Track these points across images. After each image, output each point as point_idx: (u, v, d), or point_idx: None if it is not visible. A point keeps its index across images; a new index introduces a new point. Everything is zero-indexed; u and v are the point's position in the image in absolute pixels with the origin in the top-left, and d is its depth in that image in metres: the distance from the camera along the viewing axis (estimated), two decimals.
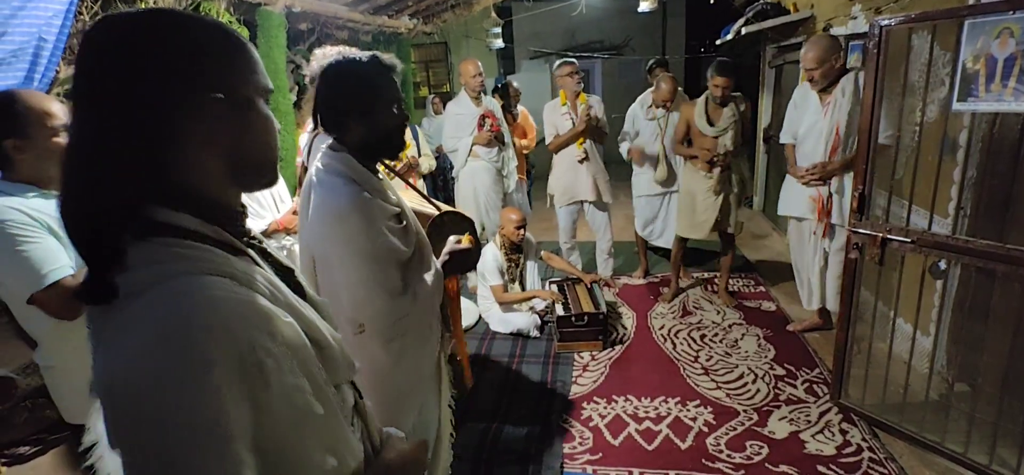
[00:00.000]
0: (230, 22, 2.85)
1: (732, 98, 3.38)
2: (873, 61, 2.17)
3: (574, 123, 3.74)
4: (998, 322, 2.13)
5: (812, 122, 2.88)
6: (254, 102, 0.67)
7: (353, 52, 1.42)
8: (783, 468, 2.18)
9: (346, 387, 0.79)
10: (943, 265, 2.13)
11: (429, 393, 1.60)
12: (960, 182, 2.37)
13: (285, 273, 0.77)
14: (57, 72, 1.95)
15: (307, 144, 2.20)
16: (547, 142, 3.93)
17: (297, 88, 3.85)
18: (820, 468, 2.17)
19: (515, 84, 4.74)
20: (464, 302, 3.72)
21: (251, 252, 0.70)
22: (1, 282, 1.35)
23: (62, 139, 1.38)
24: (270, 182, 0.72)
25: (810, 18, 4.31)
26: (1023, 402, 1.96)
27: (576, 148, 3.79)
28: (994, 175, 2.24)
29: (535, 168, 5.47)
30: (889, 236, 2.21)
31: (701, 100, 3.46)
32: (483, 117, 3.97)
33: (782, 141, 3.14)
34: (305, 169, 2.00)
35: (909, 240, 2.15)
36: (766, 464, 2.21)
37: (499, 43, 6.04)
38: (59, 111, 1.38)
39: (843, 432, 2.36)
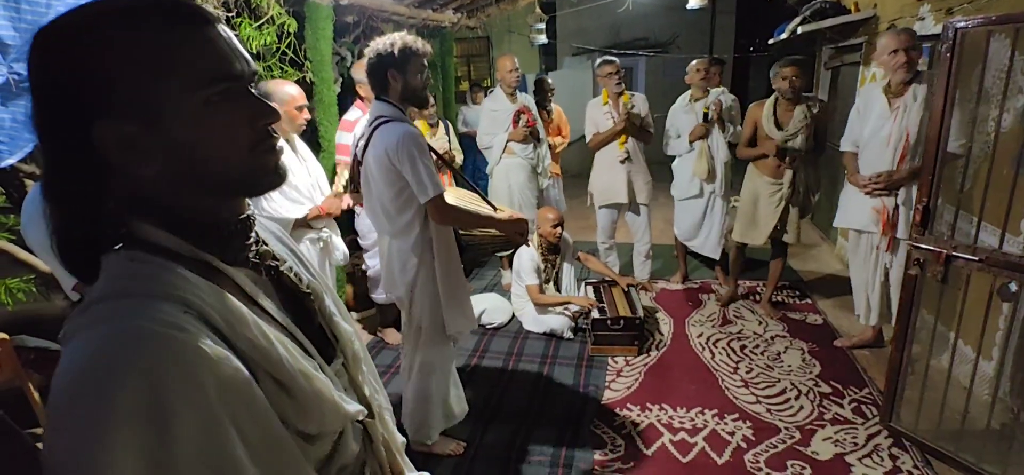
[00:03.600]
0: (279, 14, 2.90)
1: (805, 99, 3.23)
2: (945, 65, 2.03)
3: (615, 122, 3.66)
4: None
5: (877, 127, 2.70)
6: (208, 100, 0.56)
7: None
8: None
9: (350, 432, 0.72)
10: (1014, 287, 1.97)
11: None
12: None
13: (298, 299, 0.71)
14: None
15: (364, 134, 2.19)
16: (587, 140, 3.87)
17: (341, 80, 3.90)
18: None
19: (549, 81, 4.68)
20: (497, 300, 3.70)
21: (238, 274, 0.62)
22: (52, 264, 1.40)
23: None
24: (261, 188, 0.62)
25: (872, 18, 4.09)
26: None
27: (618, 148, 3.71)
28: None
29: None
30: (954, 253, 2.06)
31: (770, 101, 3.33)
32: (519, 113, 3.94)
33: (842, 149, 2.96)
34: (358, 162, 2.02)
35: (977, 258, 2.00)
36: None
37: (542, 39, 5.98)
38: None
39: (893, 457, 2.23)
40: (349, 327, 0.78)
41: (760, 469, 2.20)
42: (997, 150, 2.15)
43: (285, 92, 2.26)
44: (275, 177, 0.63)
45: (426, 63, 1.91)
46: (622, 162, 3.69)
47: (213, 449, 0.50)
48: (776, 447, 2.32)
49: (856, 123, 2.85)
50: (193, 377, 0.50)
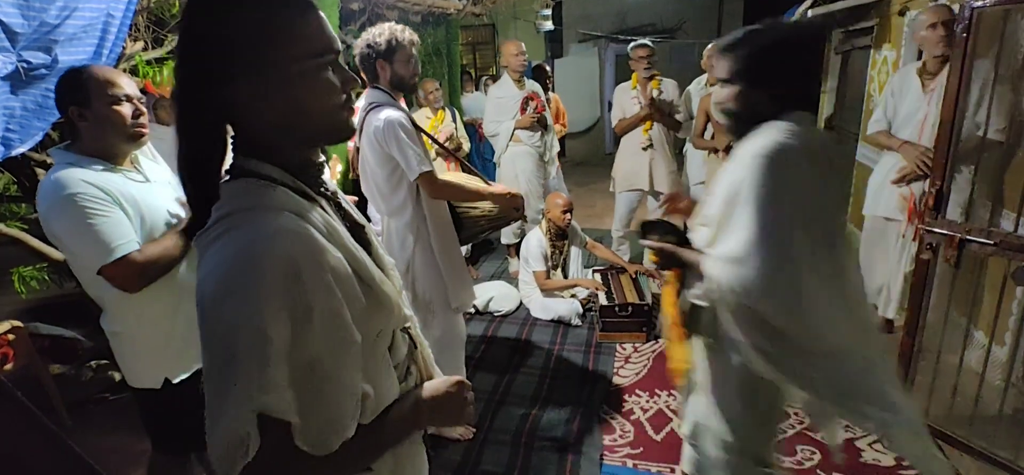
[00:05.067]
0: None
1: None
2: (961, 46, 1.99)
3: (641, 107, 3.63)
4: None
5: (912, 110, 2.59)
6: (318, 67, 0.71)
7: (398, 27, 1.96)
8: None
9: (400, 335, 0.89)
10: None
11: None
12: None
13: (356, 228, 0.87)
14: (124, 48, 2.02)
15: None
16: (613, 124, 3.84)
17: (347, 67, 3.90)
18: None
19: (548, 68, 4.66)
20: (504, 287, 3.71)
21: (321, 200, 0.78)
22: (72, 252, 1.40)
23: (124, 108, 1.42)
24: (340, 138, 0.78)
25: (884, 1, 4.02)
26: None
27: (642, 134, 3.68)
28: None
29: (566, 155, 5.39)
30: (969, 237, 2.04)
31: None
32: (527, 99, 3.92)
33: (872, 130, 2.86)
34: (356, 147, 2.10)
35: (992, 242, 1.98)
36: (818, 470, 2.11)
37: (549, 25, 5.93)
38: (124, 82, 1.42)
39: None
40: (390, 258, 0.95)
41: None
42: (1013, 135, 2.12)
43: None
44: (350, 130, 0.78)
45: (415, 52, 2.00)
46: (644, 149, 3.66)
47: (332, 313, 0.69)
48: (785, 432, 2.32)
49: (890, 102, 2.74)
50: (318, 262, 0.68)
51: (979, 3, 1.94)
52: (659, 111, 3.62)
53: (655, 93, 3.60)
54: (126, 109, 1.42)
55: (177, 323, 1.54)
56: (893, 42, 3.95)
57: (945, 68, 2.48)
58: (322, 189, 0.81)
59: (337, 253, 0.72)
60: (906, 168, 2.62)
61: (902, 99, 2.70)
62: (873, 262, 2.96)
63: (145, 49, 2.27)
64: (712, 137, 3.42)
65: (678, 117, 3.73)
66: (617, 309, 3.10)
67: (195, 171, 0.71)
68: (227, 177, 0.73)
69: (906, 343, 2.32)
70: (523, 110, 3.90)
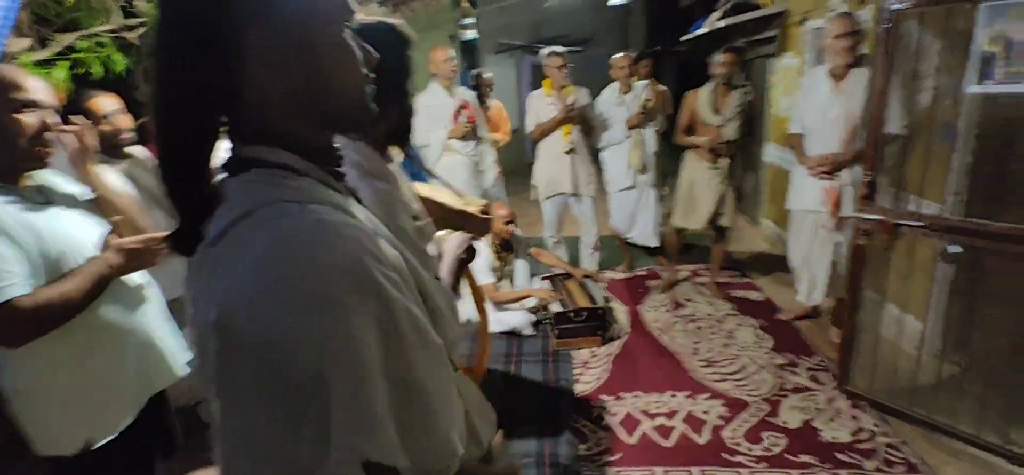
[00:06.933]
0: None
1: (739, 86, 3.38)
2: (883, 46, 2.17)
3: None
4: (1004, 303, 2.17)
5: (823, 111, 2.79)
6: (341, 29, 0.59)
7: None
8: (803, 458, 2.15)
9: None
10: (956, 249, 2.15)
11: None
12: (957, 168, 2.41)
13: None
14: (5, 46, 1.67)
15: None
16: (528, 131, 3.83)
17: None
18: (838, 455, 2.15)
19: (486, 75, 4.60)
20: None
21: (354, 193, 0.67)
22: None
23: (29, 118, 1.14)
24: (364, 122, 0.64)
25: (785, 12, 4.38)
26: None
27: (563, 138, 3.69)
28: (988, 160, 2.30)
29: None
30: (901, 221, 2.21)
31: (706, 88, 3.46)
32: (460, 108, 3.81)
33: (791, 131, 3.06)
34: None
35: (922, 224, 2.16)
36: (786, 455, 2.17)
37: (472, 34, 5.87)
38: (31, 86, 1.14)
39: (854, 418, 2.36)
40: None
41: (739, 443, 2.24)
42: (918, 127, 2.35)
43: None
44: (370, 115, 0.64)
45: None
46: (567, 153, 3.67)
47: (411, 314, 0.55)
48: (750, 421, 2.39)
49: (804, 105, 2.95)
50: (377, 252, 0.54)
51: (898, 5, 2.13)
52: (579, 115, 3.67)
53: (570, 99, 3.64)
54: (31, 119, 1.14)
55: (98, 371, 1.26)
56: (794, 50, 4.31)
57: (850, 72, 2.71)
58: (343, 178, 0.67)
59: (392, 250, 0.59)
60: (814, 171, 2.84)
61: (814, 101, 2.90)
62: (800, 253, 3.15)
63: (32, 49, 1.89)
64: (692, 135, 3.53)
65: (592, 123, 3.81)
66: (573, 315, 3.06)
67: (182, 165, 0.56)
68: (225, 174, 0.58)
69: (847, 324, 2.48)
70: (456, 119, 3.78)
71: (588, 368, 2.89)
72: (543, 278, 3.60)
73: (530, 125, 3.80)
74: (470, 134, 3.81)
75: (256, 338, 0.47)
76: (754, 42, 5.17)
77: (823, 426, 2.32)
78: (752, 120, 3.53)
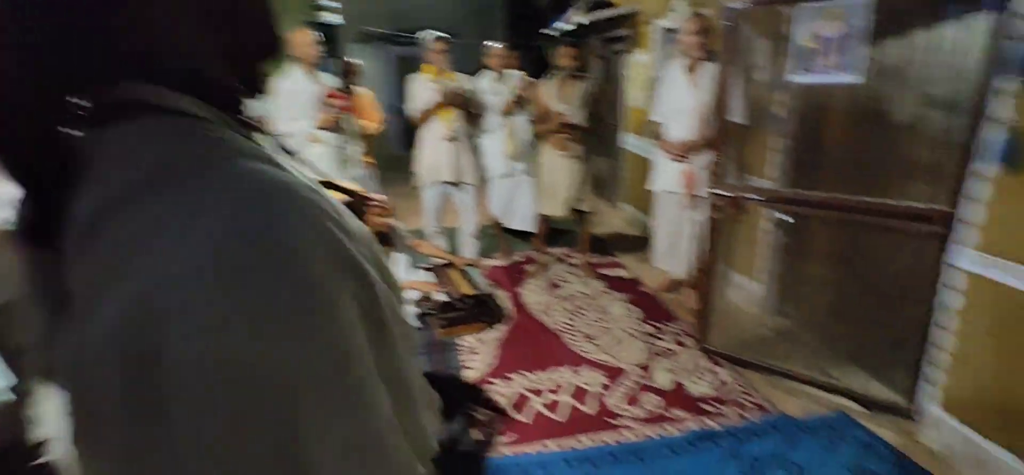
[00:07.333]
0: None
1: (581, 77, 3.58)
2: (728, 40, 2.45)
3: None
4: (824, 264, 2.59)
5: (679, 101, 3.06)
6: None
7: None
8: (678, 412, 2.36)
9: None
10: (786, 219, 2.50)
11: None
12: (783, 148, 2.82)
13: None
14: None
15: None
16: (410, 113, 3.71)
17: None
18: (705, 406, 2.40)
19: (355, 61, 4.37)
20: None
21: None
22: None
23: None
24: (273, 48, 0.52)
25: (637, 13, 4.76)
26: (846, 327, 2.41)
27: (445, 126, 3.62)
28: (807, 140, 2.73)
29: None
30: (745, 195, 2.53)
31: (551, 80, 3.62)
32: (329, 96, 3.57)
33: (652, 119, 3.32)
34: None
35: (761, 198, 2.48)
36: (662, 413, 2.37)
37: (337, 18, 5.52)
38: None
39: (714, 373, 2.65)
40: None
41: (624, 409, 2.40)
42: (762, 115, 2.71)
43: None
44: (281, 42, 0.53)
45: None
46: (449, 140, 3.62)
47: (387, 294, 0.45)
48: (628, 386, 2.56)
49: (663, 95, 3.22)
50: (343, 223, 0.43)
51: (738, 5, 2.41)
52: (465, 101, 3.66)
53: (457, 87, 3.63)
54: None
55: None
56: (645, 47, 4.71)
57: (704, 66, 3.04)
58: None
59: (355, 220, 0.48)
60: (672, 155, 3.13)
61: (670, 92, 3.20)
62: (665, 230, 3.46)
63: None
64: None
65: (480, 110, 3.84)
66: (458, 303, 3.03)
67: (20, 116, 0.39)
68: (86, 126, 0.40)
69: (704, 290, 2.78)
70: (323, 107, 3.53)
71: (475, 354, 2.89)
72: (425, 269, 3.51)
73: (413, 108, 3.68)
74: (336, 124, 3.59)
75: (211, 356, 0.33)
76: (609, 39, 5.56)
77: (690, 383, 2.58)
78: (600, 109, 3.78)
